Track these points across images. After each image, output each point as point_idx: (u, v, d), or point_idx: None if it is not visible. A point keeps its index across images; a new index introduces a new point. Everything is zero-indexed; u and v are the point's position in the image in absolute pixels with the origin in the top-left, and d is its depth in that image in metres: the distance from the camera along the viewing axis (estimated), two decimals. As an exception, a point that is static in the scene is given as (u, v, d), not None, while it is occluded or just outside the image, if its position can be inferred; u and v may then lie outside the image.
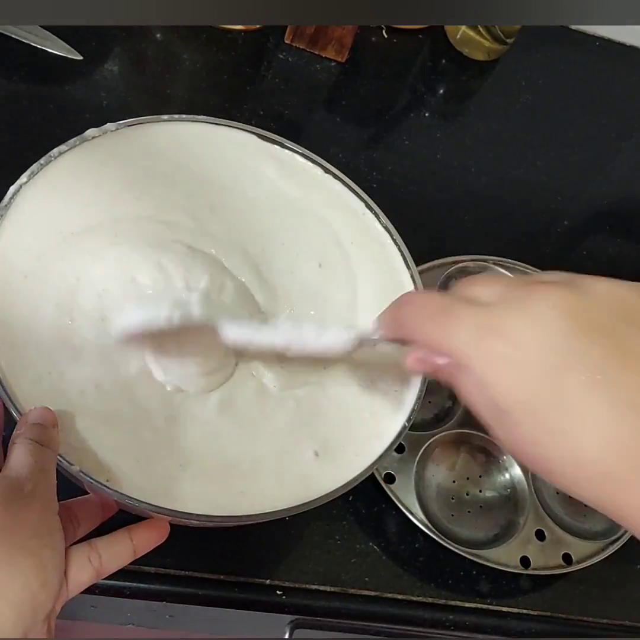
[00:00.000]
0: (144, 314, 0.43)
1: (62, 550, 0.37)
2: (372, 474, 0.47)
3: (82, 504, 0.44)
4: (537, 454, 0.33)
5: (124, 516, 0.45)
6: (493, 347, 0.33)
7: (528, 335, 0.32)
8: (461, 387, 0.35)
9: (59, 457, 0.39)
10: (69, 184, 0.49)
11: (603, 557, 0.60)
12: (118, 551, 0.42)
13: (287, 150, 0.55)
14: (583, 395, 0.31)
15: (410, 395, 0.48)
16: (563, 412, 0.31)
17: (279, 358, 0.47)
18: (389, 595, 0.57)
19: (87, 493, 0.45)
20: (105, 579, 0.50)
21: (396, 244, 0.53)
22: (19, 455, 0.37)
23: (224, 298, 0.47)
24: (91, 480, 0.40)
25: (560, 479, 0.33)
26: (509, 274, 0.37)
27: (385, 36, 0.86)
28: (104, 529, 0.44)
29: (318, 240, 0.54)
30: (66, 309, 0.45)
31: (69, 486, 0.43)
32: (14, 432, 0.39)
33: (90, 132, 0.51)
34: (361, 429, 0.48)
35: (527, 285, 0.34)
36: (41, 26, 0.70)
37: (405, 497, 0.58)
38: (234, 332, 0.43)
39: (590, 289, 0.33)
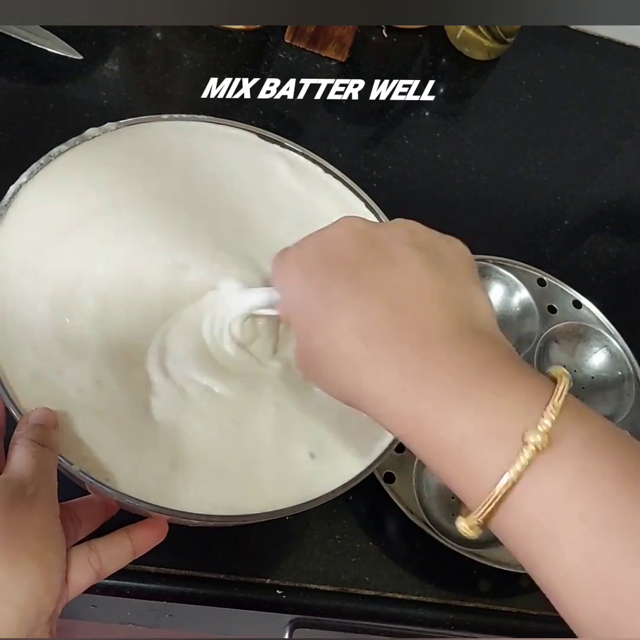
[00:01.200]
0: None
1: (64, 552, 0.37)
2: (372, 473, 0.47)
3: (83, 504, 0.44)
4: (306, 347, 0.37)
5: (123, 516, 0.45)
6: (285, 252, 0.39)
7: (313, 239, 0.38)
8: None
9: (59, 457, 0.39)
10: (69, 184, 0.49)
11: (603, 557, 0.60)
12: (117, 552, 0.42)
13: (287, 150, 0.55)
14: (344, 290, 0.34)
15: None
16: (324, 303, 0.35)
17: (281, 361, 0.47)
18: (389, 594, 0.57)
19: (88, 493, 0.45)
20: (106, 578, 0.50)
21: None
22: (21, 457, 0.37)
23: None
24: (91, 480, 0.40)
25: (323, 376, 0.37)
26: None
27: (385, 36, 0.86)
28: (103, 529, 0.44)
29: None
30: (65, 308, 0.45)
31: (70, 486, 0.43)
32: (14, 433, 0.39)
33: (90, 131, 0.51)
34: (360, 429, 0.48)
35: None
36: (41, 26, 0.70)
37: (405, 496, 0.58)
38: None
39: (389, 223, 0.38)
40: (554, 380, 0.32)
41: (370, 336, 0.33)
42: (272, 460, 0.45)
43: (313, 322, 0.36)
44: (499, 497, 0.30)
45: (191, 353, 0.46)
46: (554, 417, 0.30)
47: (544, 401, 0.31)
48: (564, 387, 0.31)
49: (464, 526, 0.33)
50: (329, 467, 0.45)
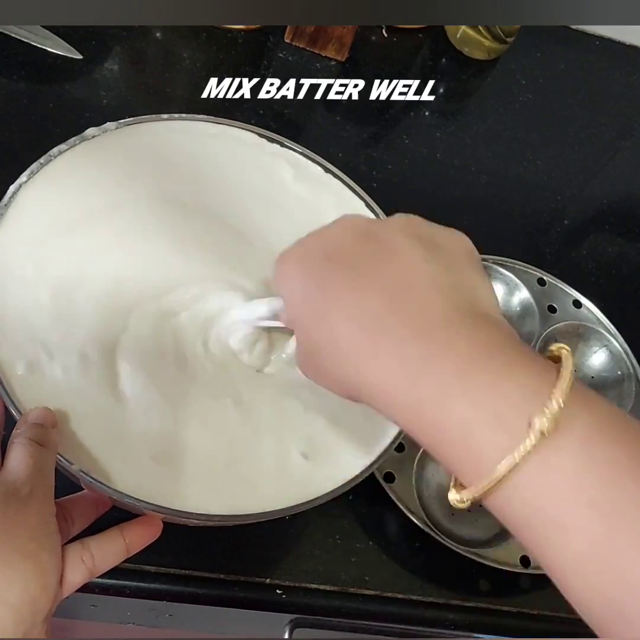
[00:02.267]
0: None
1: (59, 552, 0.37)
2: (372, 473, 0.47)
3: (76, 501, 0.44)
4: (307, 339, 0.37)
5: (117, 514, 0.45)
6: (289, 249, 0.39)
7: (314, 238, 0.38)
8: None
9: (58, 455, 0.39)
10: (69, 183, 0.49)
11: (603, 557, 0.60)
12: (110, 550, 0.42)
13: (287, 150, 0.55)
14: (341, 283, 0.35)
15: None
16: (325, 296, 0.35)
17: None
18: (389, 594, 0.57)
19: (79, 490, 0.45)
20: (105, 578, 0.50)
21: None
22: (18, 456, 0.37)
23: None
24: (91, 480, 0.40)
25: (323, 373, 0.37)
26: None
27: (385, 35, 0.86)
28: (96, 527, 0.43)
29: None
30: (66, 305, 0.45)
31: (65, 483, 0.43)
32: (13, 432, 0.39)
33: (90, 131, 0.51)
34: (357, 429, 0.48)
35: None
36: (41, 26, 0.70)
37: (405, 496, 0.58)
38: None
39: (388, 218, 0.38)
40: (556, 360, 0.32)
41: (369, 325, 0.33)
42: (265, 460, 0.45)
43: (313, 316, 0.36)
44: (500, 477, 0.30)
45: (188, 357, 0.46)
46: (561, 402, 0.30)
47: (548, 384, 0.30)
48: (569, 370, 0.31)
49: (456, 498, 0.33)
50: (324, 467, 0.45)
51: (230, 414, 0.45)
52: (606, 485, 0.29)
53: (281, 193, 0.54)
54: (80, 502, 0.44)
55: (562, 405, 0.30)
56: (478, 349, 0.32)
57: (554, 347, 0.33)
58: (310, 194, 0.55)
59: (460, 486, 0.33)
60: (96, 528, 0.43)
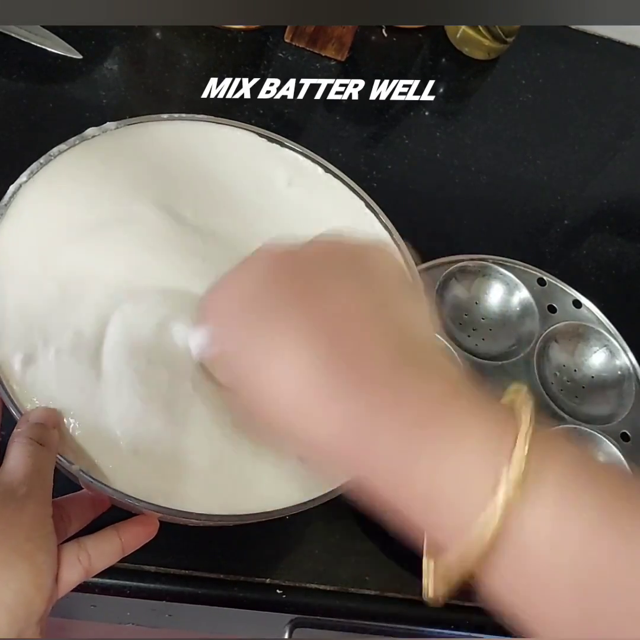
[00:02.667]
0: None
1: (55, 552, 0.37)
2: (372, 473, 0.47)
3: (74, 501, 0.44)
4: (250, 394, 0.34)
5: (114, 513, 0.45)
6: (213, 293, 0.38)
7: (237, 281, 0.37)
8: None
9: (58, 456, 0.39)
10: (69, 183, 0.49)
11: (603, 556, 0.60)
12: (107, 550, 0.41)
13: (287, 149, 0.55)
14: (272, 323, 0.32)
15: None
16: (258, 340, 0.33)
17: None
18: (390, 594, 0.57)
19: (77, 490, 0.45)
20: (105, 577, 0.50)
21: (396, 243, 0.53)
22: (17, 455, 0.37)
23: None
24: (91, 480, 0.40)
25: (263, 410, 0.34)
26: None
27: (385, 35, 0.86)
28: (92, 526, 0.43)
29: None
30: (66, 305, 0.45)
31: (64, 484, 0.43)
32: (14, 431, 0.39)
33: (90, 131, 0.51)
34: None
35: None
36: (41, 25, 0.70)
37: (405, 496, 0.58)
38: None
39: (305, 245, 0.36)
40: (512, 403, 0.30)
41: (307, 385, 0.31)
42: (262, 459, 0.45)
43: (241, 376, 0.34)
44: (484, 540, 0.28)
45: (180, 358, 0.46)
46: (525, 454, 0.28)
47: (510, 435, 0.29)
48: (530, 417, 0.29)
49: (432, 587, 0.31)
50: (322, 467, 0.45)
51: (225, 411, 0.45)
52: (586, 539, 0.27)
53: (278, 197, 0.54)
54: (77, 502, 0.44)
55: (525, 457, 0.28)
56: (429, 405, 0.30)
57: (512, 390, 0.31)
58: (309, 196, 0.55)
59: (438, 564, 0.31)
60: (93, 527, 0.43)
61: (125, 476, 0.41)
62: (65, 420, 0.41)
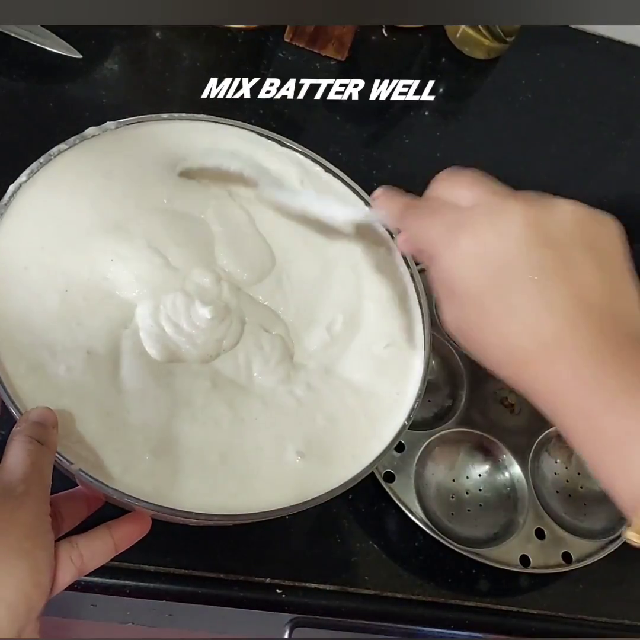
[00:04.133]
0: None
1: (53, 550, 0.37)
2: (372, 472, 0.47)
3: (67, 499, 0.44)
4: (474, 335, 0.39)
5: (106, 510, 0.45)
6: (459, 242, 0.38)
7: (490, 237, 0.37)
8: (430, 270, 0.41)
9: (58, 454, 0.39)
10: (69, 183, 0.49)
11: (602, 556, 0.60)
12: (99, 549, 0.41)
13: (286, 149, 0.55)
14: (524, 294, 0.36)
15: (410, 393, 0.48)
16: (504, 304, 0.37)
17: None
18: (389, 593, 0.57)
19: (70, 487, 0.45)
20: (105, 577, 0.50)
21: (396, 242, 0.53)
22: (16, 453, 0.37)
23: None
24: (91, 479, 0.40)
25: (489, 359, 0.39)
26: (486, 179, 0.41)
27: (385, 34, 0.86)
28: (84, 524, 0.43)
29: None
30: (69, 305, 0.45)
31: (64, 484, 0.43)
32: (13, 429, 0.39)
33: (90, 130, 0.51)
34: (357, 430, 0.48)
35: (500, 196, 0.39)
36: (42, 25, 0.70)
37: (405, 495, 0.58)
38: (272, 194, 0.51)
39: (554, 208, 0.38)
40: None
41: (547, 342, 0.36)
42: (260, 457, 0.45)
43: (485, 315, 0.37)
44: None
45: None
46: None
47: None
48: None
49: (634, 535, 0.34)
50: (323, 466, 0.45)
51: (224, 410, 0.45)
52: None
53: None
54: (70, 500, 0.44)
55: None
56: None
57: None
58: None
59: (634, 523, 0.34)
60: (84, 525, 0.43)
61: (132, 477, 0.41)
62: (77, 428, 0.42)
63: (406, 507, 0.57)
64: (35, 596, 0.35)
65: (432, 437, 0.61)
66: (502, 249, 0.37)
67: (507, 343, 0.37)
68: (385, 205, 0.47)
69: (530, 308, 0.36)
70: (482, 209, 0.38)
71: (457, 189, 0.41)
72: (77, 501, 0.44)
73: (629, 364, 0.35)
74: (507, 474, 0.63)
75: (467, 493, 0.61)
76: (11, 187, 0.47)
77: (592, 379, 0.35)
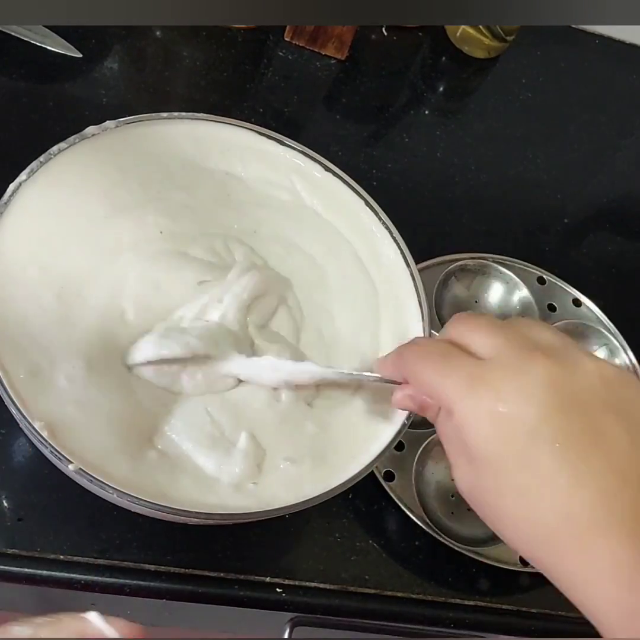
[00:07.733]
0: (154, 349, 0.44)
1: None
2: (372, 471, 0.47)
3: None
4: (494, 504, 0.36)
5: (120, 514, 0.45)
6: (480, 399, 0.35)
7: (514, 398, 0.35)
8: (440, 426, 0.38)
9: (58, 454, 0.39)
10: (69, 182, 0.49)
11: (602, 555, 0.60)
12: None
13: (287, 148, 0.55)
14: (550, 463, 0.33)
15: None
16: (529, 474, 0.34)
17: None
18: (389, 593, 0.57)
19: (76, 489, 0.44)
20: (105, 576, 0.50)
21: (396, 241, 0.54)
22: None
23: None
24: (91, 479, 0.40)
25: (504, 529, 0.36)
26: (506, 326, 0.38)
27: (385, 34, 0.86)
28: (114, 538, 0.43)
29: (323, 237, 0.54)
30: (68, 307, 0.45)
31: (62, 483, 0.43)
32: None
33: (90, 129, 0.51)
34: (358, 427, 0.48)
35: (524, 350, 0.36)
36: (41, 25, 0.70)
37: (404, 494, 0.58)
38: (230, 367, 0.46)
39: (579, 367, 0.36)
40: None
41: (577, 520, 0.33)
42: (269, 456, 0.45)
43: (505, 481, 0.35)
44: None
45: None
46: None
47: None
48: None
49: None
50: (322, 466, 0.45)
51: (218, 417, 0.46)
52: None
53: (285, 204, 0.55)
54: None
55: None
56: None
57: None
58: (312, 194, 0.55)
59: None
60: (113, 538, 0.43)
61: (132, 477, 0.41)
62: (77, 428, 0.41)
63: (406, 506, 0.57)
64: None
65: (432, 436, 0.61)
66: (526, 412, 0.34)
67: (529, 515, 0.34)
68: (395, 359, 0.42)
69: (558, 479, 0.33)
70: (503, 364, 0.36)
71: (477, 335, 0.38)
72: None
73: None
74: (507, 473, 0.63)
75: (467, 492, 0.61)
76: (11, 186, 0.47)
77: (635, 570, 0.31)
